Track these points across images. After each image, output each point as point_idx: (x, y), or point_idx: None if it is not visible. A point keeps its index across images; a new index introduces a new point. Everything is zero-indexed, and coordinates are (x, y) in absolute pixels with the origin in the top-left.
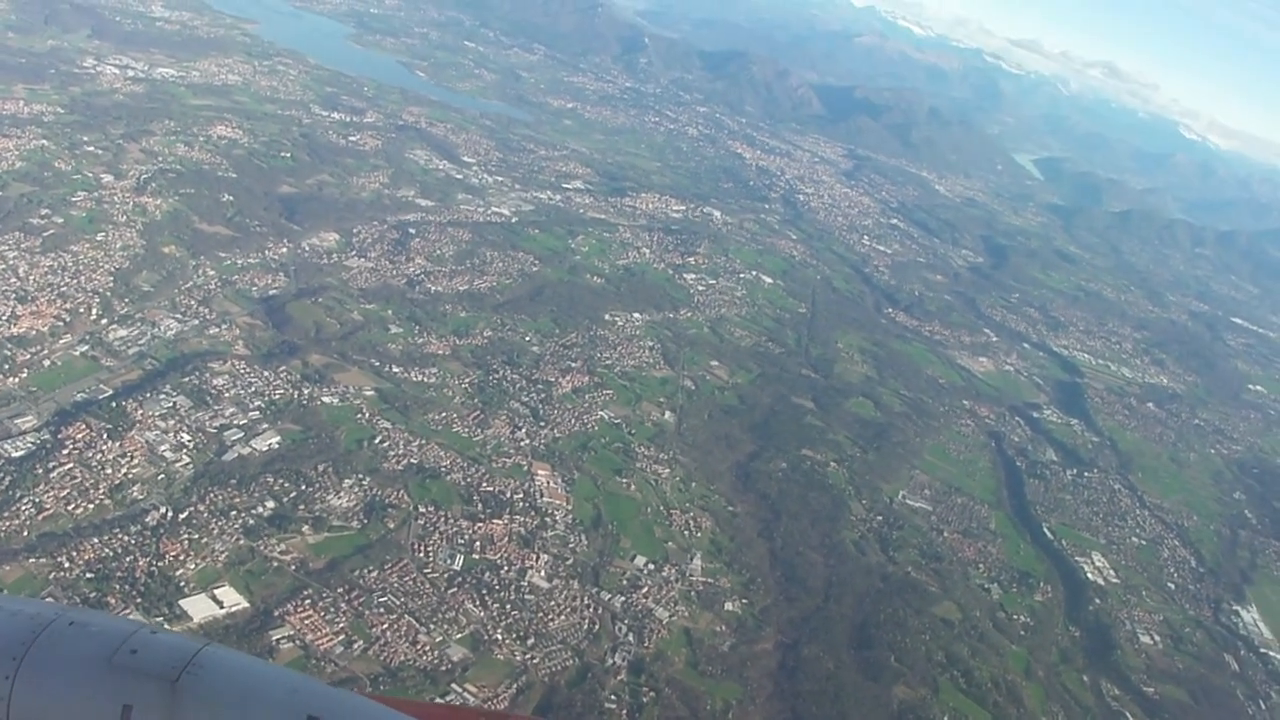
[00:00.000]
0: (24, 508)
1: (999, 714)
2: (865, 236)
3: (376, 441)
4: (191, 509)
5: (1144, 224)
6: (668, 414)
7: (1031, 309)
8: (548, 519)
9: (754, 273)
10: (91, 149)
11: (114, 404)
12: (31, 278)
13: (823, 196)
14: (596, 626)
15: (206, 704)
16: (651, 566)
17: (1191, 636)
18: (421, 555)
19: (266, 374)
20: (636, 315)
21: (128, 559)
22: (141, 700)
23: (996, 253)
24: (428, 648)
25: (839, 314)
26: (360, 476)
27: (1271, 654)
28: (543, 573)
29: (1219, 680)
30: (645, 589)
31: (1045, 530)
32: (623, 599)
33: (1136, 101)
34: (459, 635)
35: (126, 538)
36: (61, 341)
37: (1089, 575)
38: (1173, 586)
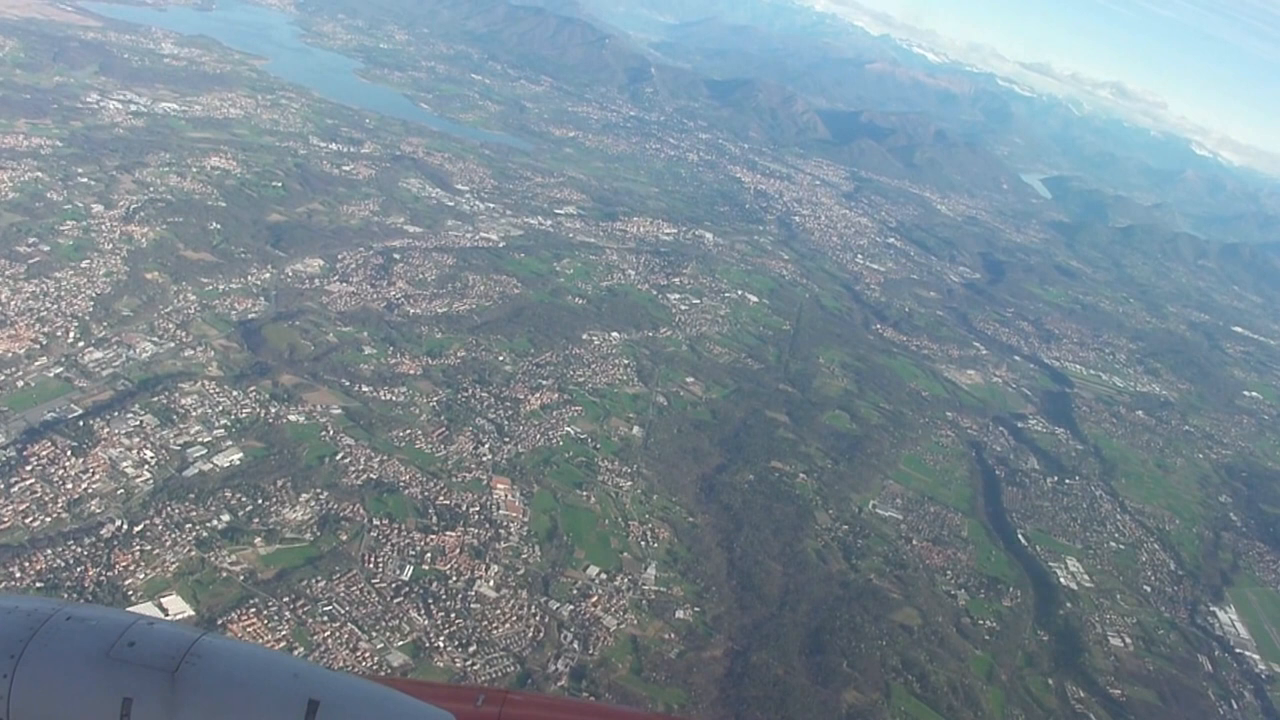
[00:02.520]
0: None
1: (953, 717)
2: (859, 255)
3: (338, 458)
4: (147, 522)
5: (1147, 238)
6: (635, 429)
7: (1025, 322)
8: (502, 531)
9: (740, 292)
10: (85, 180)
11: (82, 423)
12: (13, 303)
13: (819, 218)
14: (541, 634)
15: (207, 692)
16: (604, 576)
17: (1165, 638)
18: (371, 566)
19: (235, 394)
20: (614, 334)
21: (79, 569)
22: (142, 692)
23: (994, 269)
24: (368, 654)
25: (824, 330)
26: (318, 491)
27: (1247, 654)
28: (491, 582)
29: (1190, 681)
30: (595, 598)
31: (1020, 537)
32: (571, 608)
33: (1148, 121)
34: (400, 642)
35: (79, 549)
36: (37, 363)
37: (1062, 580)
38: (1149, 589)
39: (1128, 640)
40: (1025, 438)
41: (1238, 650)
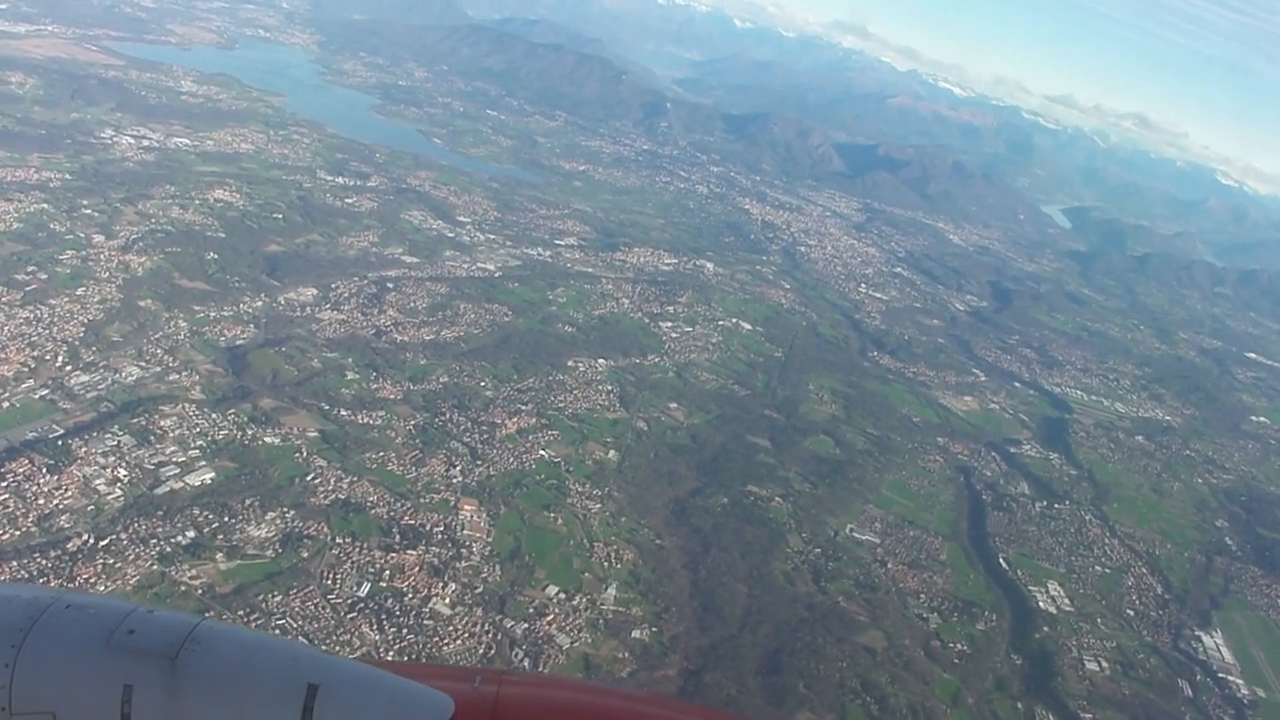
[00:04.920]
0: None
1: None
2: (863, 284)
3: (309, 478)
4: (113, 537)
5: (1162, 266)
6: (611, 453)
7: (1029, 349)
8: (464, 550)
9: (734, 320)
10: (89, 211)
11: (60, 442)
12: (6, 329)
13: (825, 248)
14: (492, 651)
15: (207, 678)
16: (563, 596)
17: (1144, 663)
18: (329, 582)
19: (215, 416)
20: (601, 361)
21: (40, 580)
22: (142, 679)
23: (1001, 297)
24: None
25: (817, 358)
26: (285, 510)
27: (1230, 678)
28: (447, 600)
29: (1168, 706)
30: (551, 616)
31: (1001, 561)
32: (525, 626)
33: (1174, 151)
34: (349, 655)
35: (44, 561)
36: (24, 386)
37: (1041, 604)
38: (1132, 613)
39: (1104, 664)
40: (1017, 463)
41: (1220, 675)
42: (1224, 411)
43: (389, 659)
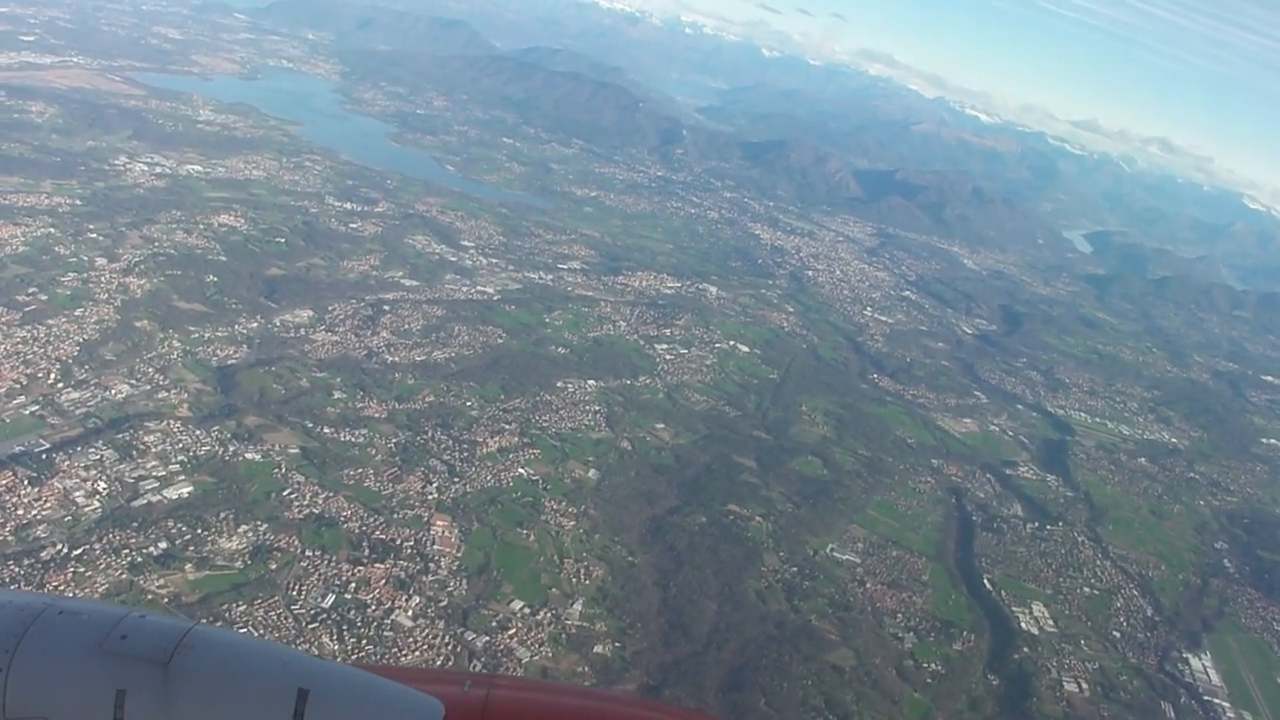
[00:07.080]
0: None
1: None
2: (869, 308)
3: (285, 493)
4: (86, 547)
5: (1180, 289)
6: (592, 472)
7: (1035, 372)
8: (431, 565)
9: (731, 343)
10: (94, 235)
11: (45, 456)
12: (2, 347)
13: (834, 272)
14: (450, 663)
15: (199, 682)
16: (527, 610)
17: (1126, 685)
18: (294, 593)
19: (198, 433)
20: (590, 382)
21: (12, 587)
22: (134, 684)
23: (1011, 320)
24: None
25: (815, 380)
26: (258, 523)
27: (1216, 701)
28: (410, 612)
29: None
30: (513, 630)
31: (985, 582)
32: (486, 639)
33: (1201, 176)
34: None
35: (17, 569)
36: (15, 402)
37: (1023, 625)
38: (1118, 635)
39: (1084, 686)
40: (1012, 484)
41: (1206, 697)
42: (1233, 434)
43: (347, 663)
